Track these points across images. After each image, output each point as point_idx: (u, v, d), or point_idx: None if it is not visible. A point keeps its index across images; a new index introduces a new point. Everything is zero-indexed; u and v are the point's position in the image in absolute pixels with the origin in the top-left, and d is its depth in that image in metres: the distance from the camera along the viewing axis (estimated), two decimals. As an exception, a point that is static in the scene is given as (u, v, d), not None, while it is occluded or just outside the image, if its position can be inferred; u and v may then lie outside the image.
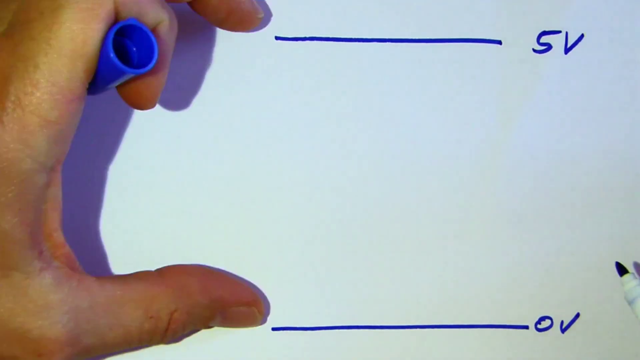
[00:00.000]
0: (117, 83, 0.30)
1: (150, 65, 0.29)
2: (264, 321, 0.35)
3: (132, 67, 0.29)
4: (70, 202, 0.32)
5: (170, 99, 0.35)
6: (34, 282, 0.29)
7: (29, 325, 0.29)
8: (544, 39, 0.36)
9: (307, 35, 0.35)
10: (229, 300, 0.33)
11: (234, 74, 0.35)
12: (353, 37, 0.35)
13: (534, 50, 0.36)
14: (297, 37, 0.35)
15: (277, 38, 0.35)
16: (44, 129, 0.27)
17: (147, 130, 0.35)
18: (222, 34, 0.35)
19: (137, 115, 0.35)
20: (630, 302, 0.33)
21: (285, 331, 0.35)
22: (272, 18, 0.35)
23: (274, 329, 0.35)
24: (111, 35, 0.28)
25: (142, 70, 0.29)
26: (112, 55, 0.28)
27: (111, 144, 0.35)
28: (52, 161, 0.28)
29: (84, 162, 0.34)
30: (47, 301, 0.29)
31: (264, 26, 0.35)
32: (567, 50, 0.36)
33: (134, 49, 0.30)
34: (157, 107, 0.35)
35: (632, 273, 0.33)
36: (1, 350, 0.29)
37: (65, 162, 0.30)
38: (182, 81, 0.35)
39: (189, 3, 0.32)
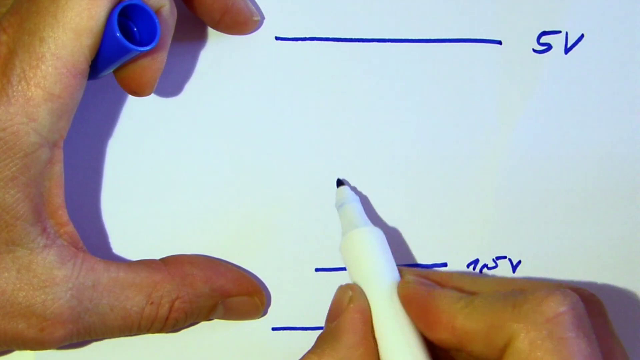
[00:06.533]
0: (118, 64, 0.30)
1: (153, 44, 0.29)
2: (264, 312, 0.35)
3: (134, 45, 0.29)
4: (71, 189, 0.32)
5: (173, 96, 0.35)
6: (37, 258, 0.29)
7: (33, 300, 0.29)
8: (544, 39, 0.36)
9: (307, 35, 0.35)
10: (231, 290, 0.33)
11: (234, 74, 0.35)
12: (353, 37, 0.35)
13: (534, 50, 0.36)
14: (297, 37, 0.35)
15: (277, 38, 0.35)
16: (47, 102, 0.28)
17: (148, 128, 0.35)
18: (222, 34, 0.35)
19: (139, 111, 0.35)
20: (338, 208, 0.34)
21: (285, 331, 0.35)
22: (272, 18, 0.35)
23: (274, 329, 0.35)
24: (116, 13, 0.28)
25: (145, 48, 0.29)
26: (116, 31, 0.28)
27: (115, 137, 0.35)
28: (55, 136, 0.29)
29: (87, 149, 0.34)
30: (51, 277, 0.29)
31: (264, 26, 0.35)
32: (567, 50, 0.36)
33: (135, 29, 0.30)
34: (160, 103, 0.35)
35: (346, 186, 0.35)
36: (5, 325, 0.29)
37: (68, 149, 0.30)
38: (183, 80, 0.35)
39: (184, 1, 0.32)
